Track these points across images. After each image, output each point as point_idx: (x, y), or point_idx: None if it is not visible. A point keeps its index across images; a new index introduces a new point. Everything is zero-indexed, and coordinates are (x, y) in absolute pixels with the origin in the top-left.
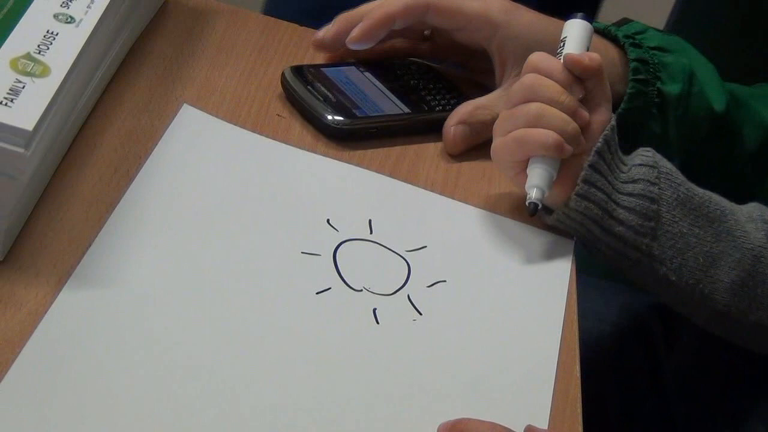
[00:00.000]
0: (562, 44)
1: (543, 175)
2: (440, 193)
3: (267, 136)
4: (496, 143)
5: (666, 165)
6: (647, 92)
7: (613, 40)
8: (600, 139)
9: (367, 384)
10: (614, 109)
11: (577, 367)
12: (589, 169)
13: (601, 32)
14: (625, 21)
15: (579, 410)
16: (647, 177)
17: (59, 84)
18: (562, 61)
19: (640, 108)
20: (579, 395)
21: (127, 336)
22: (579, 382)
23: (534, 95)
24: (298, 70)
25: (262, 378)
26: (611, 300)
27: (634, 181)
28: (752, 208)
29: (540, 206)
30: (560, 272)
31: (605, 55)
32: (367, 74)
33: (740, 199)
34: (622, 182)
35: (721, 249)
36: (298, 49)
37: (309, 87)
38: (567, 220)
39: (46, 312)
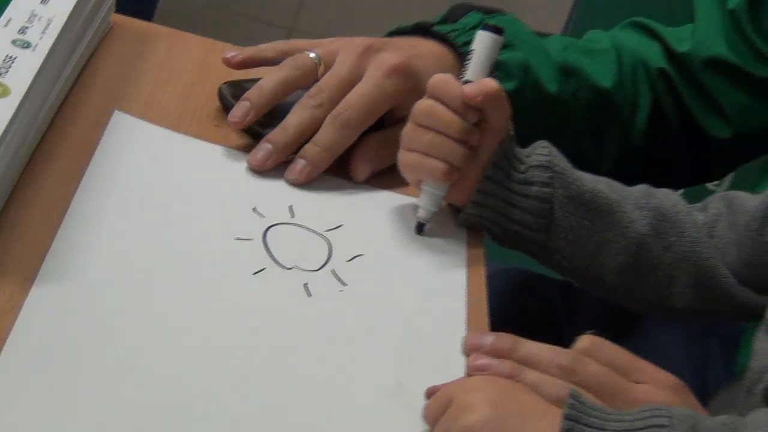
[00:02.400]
0: (469, 57)
1: (431, 199)
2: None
3: (193, 136)
4: (400, 156)
5: (560, 164)
6: None
7: (446, 40)
8: (499, 152)
9: (307, 347)
10: None
11: None
12: (485, 180)
13: (439, 36)
14: (463, 10)
15: None
16: (541, 179)
17: (19, 102)
18: (466, 76)
19: None
20: None
21: (93, 324)
22: None
23: (429, 122)
24: (235, 85)
25: (218, 352)
26: (520, 282)
27: (529, 183)
28: (640, 195)
29: (426, 225)
30: (458, 248)
31: (443, 60)
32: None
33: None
34: (518, 183)
35: (609, 237)
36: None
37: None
38: (468, 223)
39: (19, 308)
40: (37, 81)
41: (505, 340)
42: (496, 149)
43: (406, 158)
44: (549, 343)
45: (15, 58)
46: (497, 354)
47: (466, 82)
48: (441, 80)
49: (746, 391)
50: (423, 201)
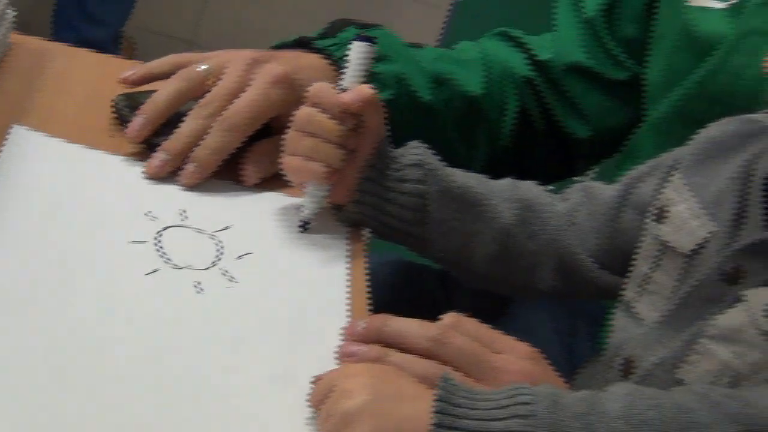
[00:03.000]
0: (345, 67)
1: (313, 199)
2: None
3: (90, 147)
4: (283, 160)
5: (431, 162)
6: None
7: (326, 53)
8: (375, 153)
9: (199, 341)
10: None
11: None
12: (363, 180)
13: (319, 50)
14: (341, 25)
15: None
16: (415, 176)
17: None
18: (343, 84)
19: None
20: None
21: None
22: None
23: (309, 128)
24: (128, 97)
25: (115, 348)
26: (402, 272)
27: (404, 181)
28: (506, 188)
29: (310, 223)
30: (340, 243)
31: (324, 72)
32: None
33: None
34: (394, 181)
35: (478, 229)
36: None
37: (134, 111)
38: (349, 220)
39: None
40: None
41: (375, 321)
42: (373, 151)
43: (289, 162)
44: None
45: None
46: (370, 335)
47: (343, 89)
48: (319, 88)
49: (606, 365)
50: (306, 201)
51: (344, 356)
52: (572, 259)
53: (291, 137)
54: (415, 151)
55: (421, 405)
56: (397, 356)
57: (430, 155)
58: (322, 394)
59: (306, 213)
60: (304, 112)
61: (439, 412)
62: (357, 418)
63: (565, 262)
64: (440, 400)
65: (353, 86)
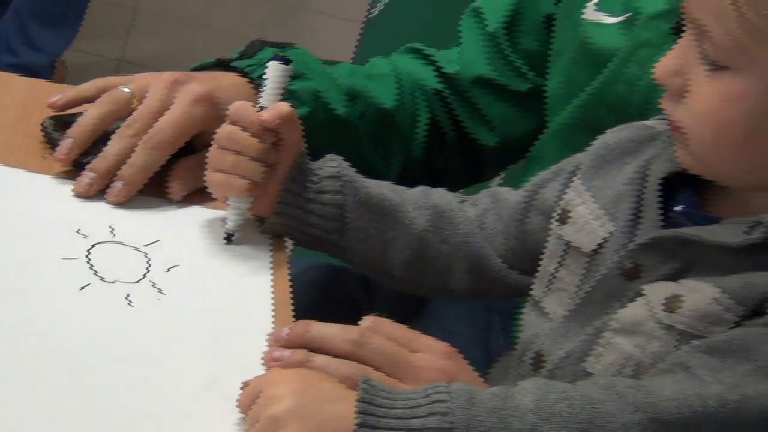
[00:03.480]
0: (263, 86)
1: (236, 212)
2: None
3: (20, 168)
4: (207, 176)
5: (348, 173)
6: None
7: (245, 73)
8: (294, 167)
9: (130, 351)
10: None
11: None
12: (284, 193)
13: (238, 70)
14: (259, 46)
15: None
16: (333, 188)
17: None
18: (261, 102)
19: None
20: None
21: None
22: None
23: (231, 145)
24: (56, 119)
25: (49, 361)
26: (326, 275)
27: (323, 192)
28: (418, 195)
29: (234, 235)
30: (263, 253)
31: (244, 91)
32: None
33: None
34: (313, 193)
35: (394, 236)
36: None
37: (63, 133)
38: (272, 231)
39: None
40: None
41: (298, 326)
42: (292, 165)
43: (212, 177)
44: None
45: None
46: (294, 340)
47: (262, 107)
48: (239, 107)
49: (518, 360)
50: (230, 214)
51: (270, 361)
52: (483, 261)
53: (213, 154)
54: (332, 164)
55: (345, 406)
56: (320, 359)
57: (347, 167)
58: (249, 399)
59: (230, 225)
60: (225, 130)
61: (361, 412)
62: (283, 422)
63: (476, 263)
64: (362, 401)
65: (271, 104)
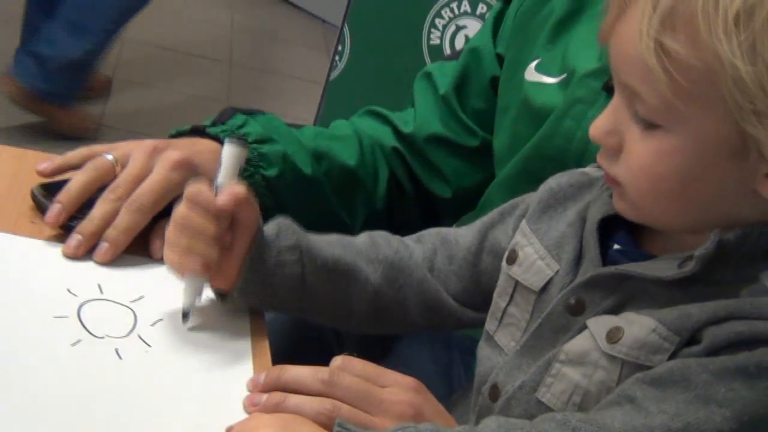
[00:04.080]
0: (219, 166)
1: (190, 291)
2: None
3: (11, 233)
4: (165, 254)
5: (304, 241)
6: (255, 179)
7: (218, 138)
8: (253, 247)
9: (120, 400)
10: None
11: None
12: (246, 274)
13: (212, 136)
14: (229, 113)
15: None
16: (291, 260)
17: None
18: (217, 182)
19: (254, 193)
20: None
21: None
22: None
23: (185, 228)
24: (45, 186)
25: (45, 412)
26: (298, 322)
27: (283, 265)
28: (367, 248)
29: (189, 314)
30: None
31: (216, 155)
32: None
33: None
34: (273, 267)
35: (351, 293)
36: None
37: (51, 199)
38: (235, 306)
39: None
40: None
41: (273, 371)
42: (249, 244)
43: (168, 256)
44: (323, 365)
45: None
46: (270, 384)
47: (217, 187)
48: (195, 191)
49: (476, 392)
50: (185, 293)
51: (249, 406)
52: (436, 302)
53: (170, 234)
54: (287, 234)
55: None
56: (294, 398)
57: (301, 234)
58: None
59: (185, 304)
60: (180, 213)
61: None
62: None
63: (430, 305)
64: None
65: (227, 184)
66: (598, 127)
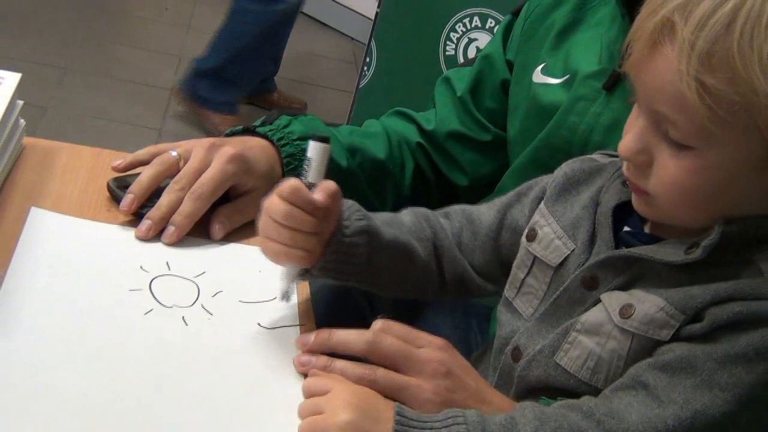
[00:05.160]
0: (307, 165)
1: (291, 275)
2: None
3: (91, 220)
4: (263, 244)
5: (372, 225)
6: (298, 172)
7: (266, 137)
8: (336, 232)
9: (188, 360)
10: None
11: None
12: (329, 255)
13: (261, 135)
14: (276, 114)
15: None
16: (362, 242)
17: None
18: (306, 180)
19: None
20: None
21: (36, 366)
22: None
23: (288, 222)
24: (118, 180)
25: (125, 371)
26: (338, 292)
27: (355, 246)
28: (415, 226)
29: (290, 295)
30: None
31: (267, 150)
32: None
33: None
34: (348, 247)
35: (407, 266)
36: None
37: (126, 190)
38: (313, 278)
39: None
40: None
41: (322, 334)
42: (334, 230)
43: (271, 247)
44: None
45: None
46: (319, 345)
47: (310, 184)
48: (294, 189)
49: (497, 352)
50: (286, 275)
51: (300, 365)
52: (464, 276)
53: (269, 226)
54: (358, 219)
55: (386, 427)
56: (339, 363)
57: (367, 215)
58: (309, 411)
59: (285, 287)
60: (281, 208)
61: None
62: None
63: (459, 278)
64: (399, 423)
65: (317, 180)
66: (629, 148)
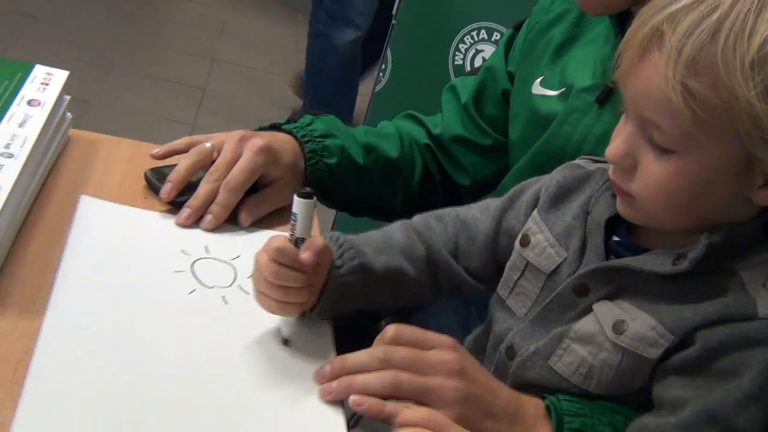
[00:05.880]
0: (294, 219)
1: (288, 321)
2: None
3: (139, 207)
4: (258, 298)
5: (362, 259)
6: (319, 167)
7: (291, 133)
8: (329, 283)
9: (228, 333)
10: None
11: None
12: (324, 303)
13: (286, 131)
14: (300, 113)
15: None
16: (354, 279)
17: (6, 197)
18: (296, 234)
19: (318, 177)
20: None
21: (92, 339)
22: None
23: (279, 281)
24: (155, 170)
25: (172, 344)
26: None
27: (349, 285)
28: (406, 245)
29: (289, 340)
30: None
31: (291, 144)
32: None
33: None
34: (341, 287)
35: (400, 288)
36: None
37: (161, 180)
38: (319, 316)
39: (38, 332)
40: (19, 180)
41: (336, 362)
42: (327, 275)
43: (263, 301)
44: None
45: (2, 166)
46: (336, 372)
47: (298, 239)
48: (279, 249)
49: (492, 348)
50: (283, 323)
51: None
52: (459, 281)
53: (260, 282)
54: (350, 256)
55: None
56: (360, 378)
57: (357, 250)
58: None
59: (285, 333)
60: (270, 269)
61: None
62: None
63: (454, 284)
64: None
65: (305, 234)
66: (615, 152)
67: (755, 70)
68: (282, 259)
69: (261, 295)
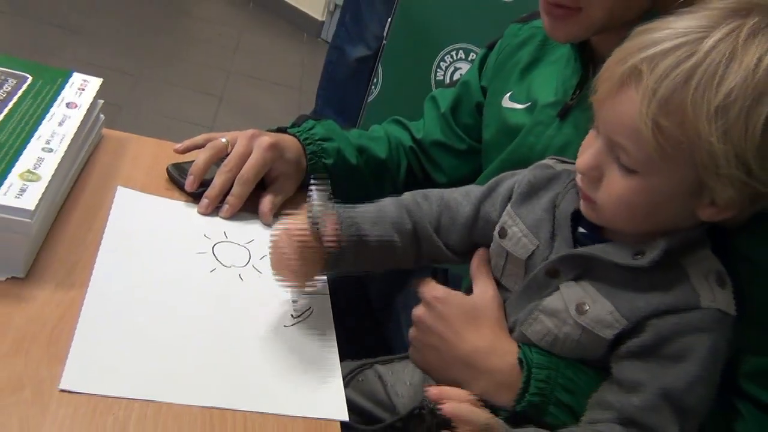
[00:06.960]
0: (313, 199)
1: (296, 295)
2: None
3: (165, 198)
4: (280, 273)
5: (360, 231)
6: (318, 166)
7: (294, 135)
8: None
9: (243, 306)
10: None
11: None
12: (331, 259)
13: (291, 134)
14: (303, 118)
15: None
16: (350, 246)
17: (46, 185)
18: (313, 213)
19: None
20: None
21: (135, 313)
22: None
23: (301, 254)
24: (176, 165)
25: (196, 314)
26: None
27: (344, 251)
28: (397, 217)
29: (297, 301)
30: None
31: (293, 146)
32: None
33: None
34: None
35: (391, 255)
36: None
37: (183, 174)
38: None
39: (81, 304)
40: (57, 171)
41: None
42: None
43: (289, 279)
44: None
45: (44, 159)
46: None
47: (314, 216)
48: (299, 231)
49: None
50: (293, 295)
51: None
52: (438, 252)
53: (281, 259)
54: (348, 223)
55: None
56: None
57: (357, 225)
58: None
59: (295, 296)
60: (290, 245)
61: None
62: None
63: (434, 254)
64: None
65: (321, 213)
66: (585, 164)
67: (719, 115)
68: (303, 240)
69: (283, 271)
